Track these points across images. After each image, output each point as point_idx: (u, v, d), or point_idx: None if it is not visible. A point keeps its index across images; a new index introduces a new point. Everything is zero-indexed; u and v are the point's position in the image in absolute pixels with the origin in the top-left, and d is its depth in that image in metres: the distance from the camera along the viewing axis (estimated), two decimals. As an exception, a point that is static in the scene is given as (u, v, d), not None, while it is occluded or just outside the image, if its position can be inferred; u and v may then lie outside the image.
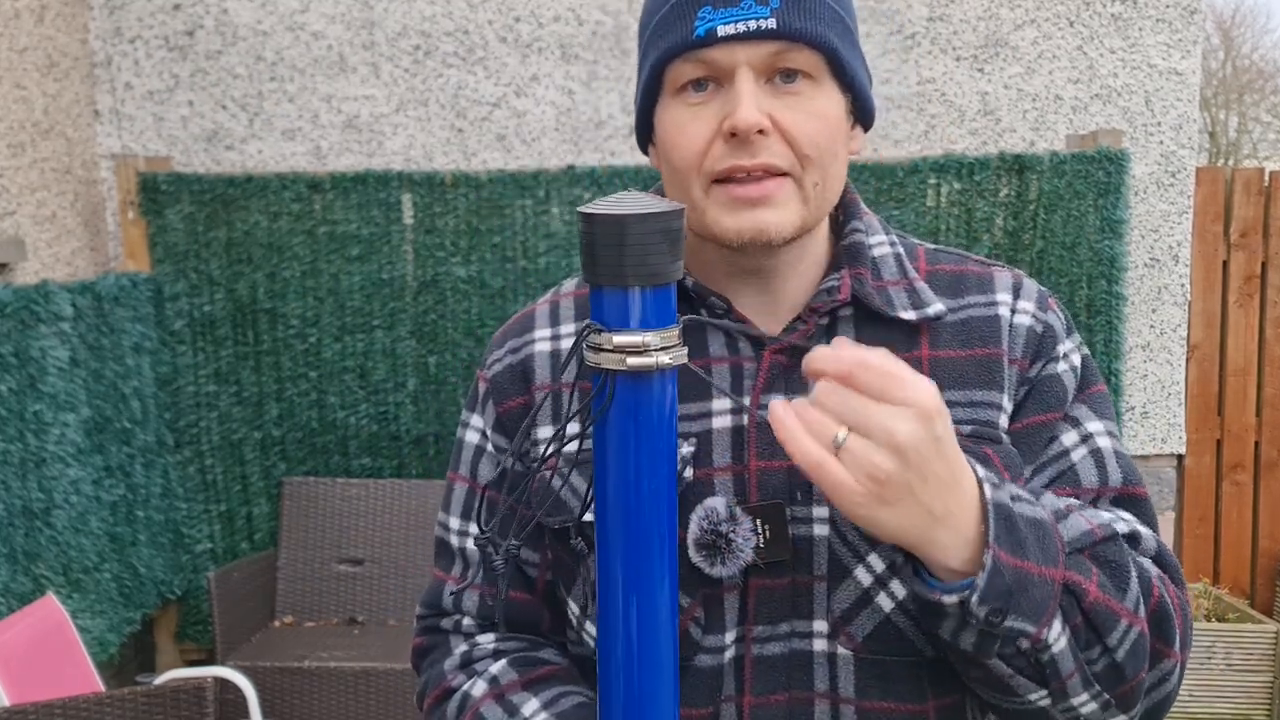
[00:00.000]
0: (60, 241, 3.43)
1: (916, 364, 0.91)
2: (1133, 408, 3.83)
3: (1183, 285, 3.83)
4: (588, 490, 0.85)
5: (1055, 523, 0.81)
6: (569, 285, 1.03)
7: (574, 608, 0.96)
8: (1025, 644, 0.78)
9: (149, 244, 3.42)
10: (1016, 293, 0.96)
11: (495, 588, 0.86)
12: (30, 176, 3.28)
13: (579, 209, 0.70)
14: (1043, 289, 0.99)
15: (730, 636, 0.90)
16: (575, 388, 0.83)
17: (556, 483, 0.92)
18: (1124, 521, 0.90)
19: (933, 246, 1.01)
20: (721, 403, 0.92)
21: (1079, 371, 0.96)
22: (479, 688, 0.94)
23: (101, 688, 2.60)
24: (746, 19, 0.83)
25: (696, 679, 0.90)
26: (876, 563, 0.88)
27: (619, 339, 0.70)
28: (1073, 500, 0.90)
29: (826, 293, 0.92)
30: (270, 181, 3.42)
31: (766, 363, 0.92)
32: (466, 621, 1.00)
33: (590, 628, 0.95)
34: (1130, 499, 0.94)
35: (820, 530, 0.89)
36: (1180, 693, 0.92)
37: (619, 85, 3.73)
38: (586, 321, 0.73)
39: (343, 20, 3.70)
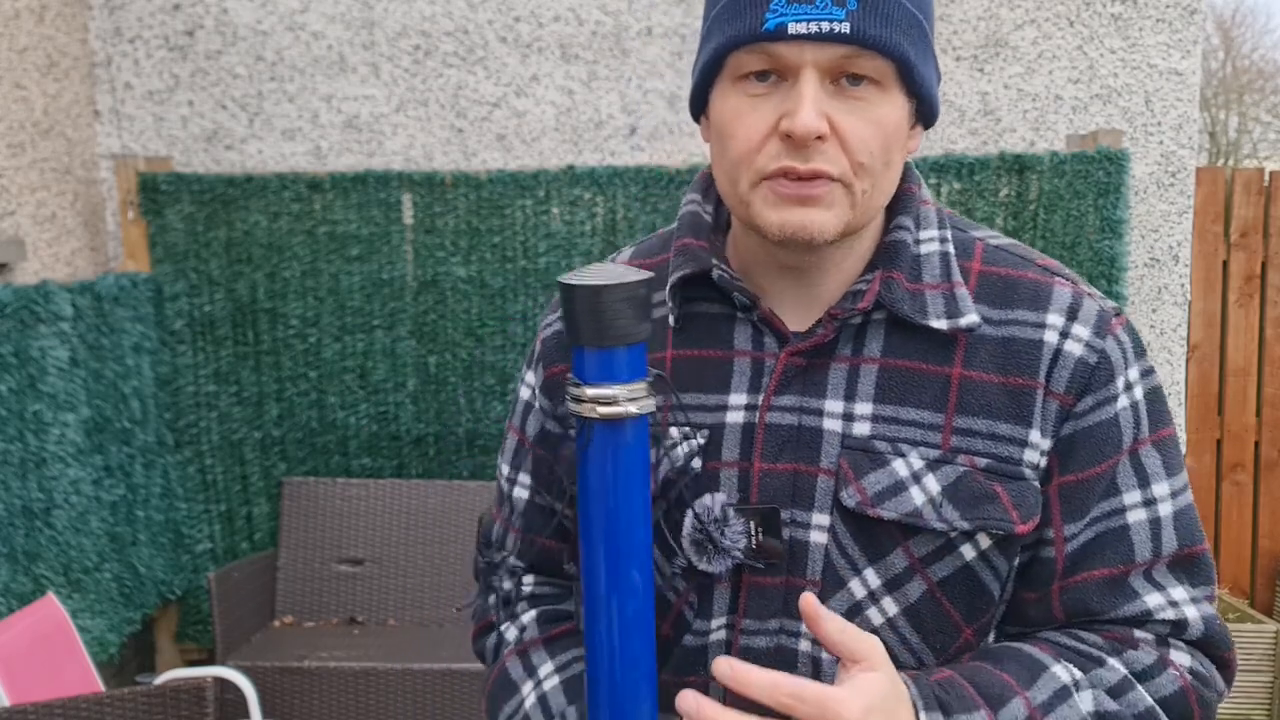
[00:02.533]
0: (60, 241, 3.43)
1: (945, 383, 0.89)
2: (1133, 408, 3.82)
3: (1183, 285, 3.83)
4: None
5: None
6: (625, 254, 1.05)
7: None
8: None
9: (149, 244, 3.42)
10: (1072, 314, 0.89)
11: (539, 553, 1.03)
12: (30, 176, 3.28)
13: (559, 279, 0.78)
14: (1106, 308, 0.91)
15: (716, 623, 0.92)
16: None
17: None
18: (1172, 608, 0.88)
19: (995, 244, 0.95)
20: (738, 397, 0.91)
21: (1142, 408, 0.90)
22: (511, 634, 1.03)
23: (101, 688, 2.60)
24: (819, 19, 0.80)
25: (684, 654, 0.94)
26: (872, 578, 0.89)
27: (591, 391, 0.78)
28: (1078, 674, 0.87)
29: (851, 297, 0.89)
30: (270, 181, 3.42)
31: (782, 364, 0.90)
32: (512, 560, 1.07)
33: None
34: (1185, 561, 0.90)
35: (818, 537, 0.89)
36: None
37: (619, 85, 3.73)
38: (568, 375, 0.79)
39: (343, 20, 3.70)
